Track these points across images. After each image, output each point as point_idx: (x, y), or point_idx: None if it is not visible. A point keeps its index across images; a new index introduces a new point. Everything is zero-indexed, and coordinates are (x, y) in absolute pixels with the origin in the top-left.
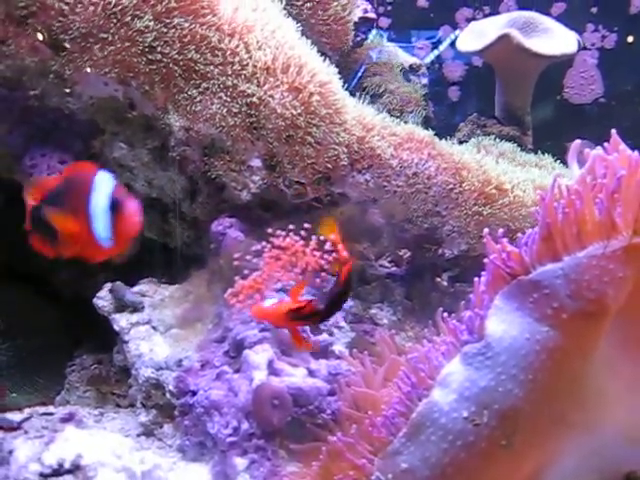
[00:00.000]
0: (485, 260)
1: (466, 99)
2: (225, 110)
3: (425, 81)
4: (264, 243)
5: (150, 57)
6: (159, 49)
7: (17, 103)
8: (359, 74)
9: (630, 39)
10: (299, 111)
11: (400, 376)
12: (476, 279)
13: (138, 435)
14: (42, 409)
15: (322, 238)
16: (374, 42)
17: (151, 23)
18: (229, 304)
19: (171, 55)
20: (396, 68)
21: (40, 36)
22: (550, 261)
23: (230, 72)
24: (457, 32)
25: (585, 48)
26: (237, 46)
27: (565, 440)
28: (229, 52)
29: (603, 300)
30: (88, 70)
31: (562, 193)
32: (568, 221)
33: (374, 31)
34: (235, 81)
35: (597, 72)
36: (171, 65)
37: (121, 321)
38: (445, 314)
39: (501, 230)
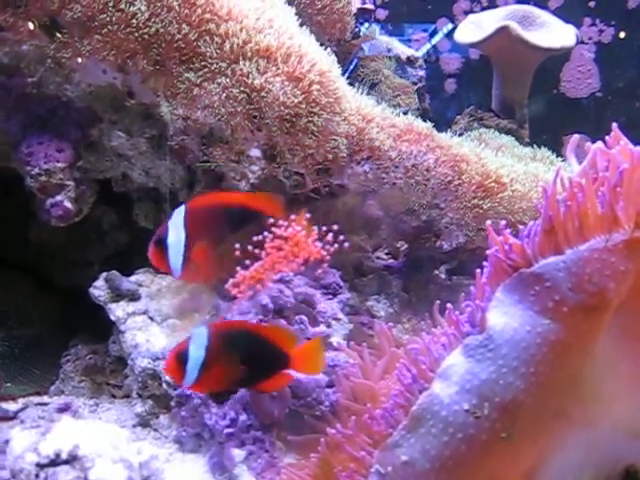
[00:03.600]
0: (483, 253)
1: (463, 92)
2: (224, 97)
3: (422, 73)
4: (266, 233)
5: (148, 40)
6: (156, 30)
7: (14, 90)
8: (351, 67)
9: (622, 35)
10: (300, 99)
11: (400, 368)
12: (478, 271)
13: (134, 426)
14: (37, 399)
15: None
16: (367, 35)
17: (144, 7)
18: (230, 294)
19: (170, 37)
20: (389, 61)
21: (31, 25)
22: (552, 254)
23: (230, 59)
24: (449, 25)
25: (582, 42)
26: (235, 33)
27: (565, 433)
28: (227, 39)
29: (604, 294)
30: (87, 57)
31: (564, 186)
32: (570, 214)
33: (366, 24)
34: (235, 67)
35: (594, 66)
36: (169, 46)
37: (117, 311)
38: (448, 305)
39: (503, 222)
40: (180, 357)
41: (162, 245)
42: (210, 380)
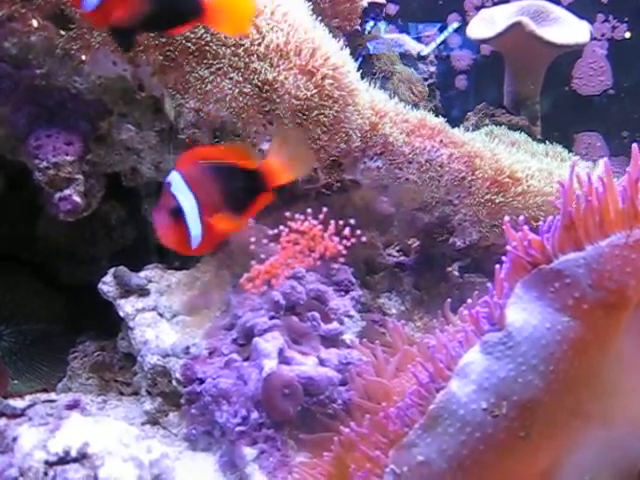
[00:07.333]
0: (497, 250)
1: (474, 88)
2: (237, 91)
3: (433, 70)
4: (281, 227)
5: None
6: None
7: (22, 82)
8: (356, 64)
9: (628, 35)
10: (313, 92)
11: (416, 366)
12: (497, 267)
13: (142, 423)
14: (44, 396)
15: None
16: (373, 33)
17: None
18: (245, 289)
19: (183, 37)
20: (395, 58)
21: (35, 22)
22: (572, 250)
23: (242, 53)
24: (455, 24)
25: (595, 39)
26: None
27: (582, 432)
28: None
29: (624, 291)
30: (97, 48)
31: (583, 182)
32: (591, 209)
33: (372, 22)
34: (247, 62)
35: (606, 63)
36: (181, 42)
37: (126, 307)
38: (468, 301)
39: (522, 218)
40: None
41: (179, 214)
42: (112, 5)
